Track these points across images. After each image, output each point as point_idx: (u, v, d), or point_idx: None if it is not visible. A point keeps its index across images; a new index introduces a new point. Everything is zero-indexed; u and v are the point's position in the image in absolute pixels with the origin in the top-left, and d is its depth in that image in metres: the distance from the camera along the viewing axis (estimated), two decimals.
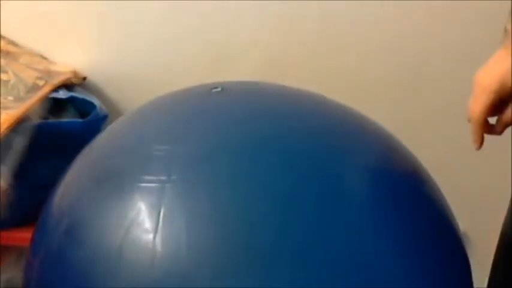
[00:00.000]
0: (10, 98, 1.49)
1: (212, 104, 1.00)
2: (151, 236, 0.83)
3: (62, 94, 1.60)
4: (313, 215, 0.86)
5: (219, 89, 1.02)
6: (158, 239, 0.82)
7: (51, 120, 1.56)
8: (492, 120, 1.04)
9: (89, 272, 0.85)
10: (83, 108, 1.60)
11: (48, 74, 1.60)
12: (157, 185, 0.86)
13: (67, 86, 1.63)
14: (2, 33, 1.66)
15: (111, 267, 0.84)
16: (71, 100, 1.61)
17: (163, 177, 0.87)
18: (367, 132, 1.03)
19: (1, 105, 1.44)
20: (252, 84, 1.10)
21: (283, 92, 1.08)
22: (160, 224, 0.83)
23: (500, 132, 1.04)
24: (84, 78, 1.69)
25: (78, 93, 1.63)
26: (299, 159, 0.91)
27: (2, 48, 1.62)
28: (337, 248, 0.86)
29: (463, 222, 1.04)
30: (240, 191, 0.87)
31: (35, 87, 1.54)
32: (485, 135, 1.04)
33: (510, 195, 1.16)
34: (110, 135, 1.04)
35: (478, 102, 1.01)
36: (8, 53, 1.62)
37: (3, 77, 1.54)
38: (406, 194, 0.97)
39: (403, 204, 0.94)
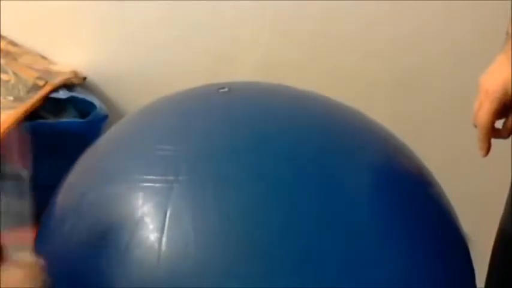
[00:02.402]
0: (10, 98, 1.49)
1: (219, 105, 1.00)
2: (158, 235, 0.83)
3: (62, 94, 1.59)
4: (318, 215, 0.86)
5: (226, 89, 1.02)
6: (165, 239, 0.82)
7: (51, 120, 1.56)
8: (498, 123, 1.04)
9: (95, 272, 0.85)
10: (83, 108, 1.60)
11: (48, 74, 1.60)
12: (164, 185, 0.86)
13: (67, 86, 1.62)
14: (2, 33, 1.65)
15: (118, 267, 0.84)
16: (71, 100, 1.60)
17: (170, 177, 0.87)
18: (372, 134, 1.04)
19: (1, 105, 1.44)
20: (259, 84, 1.10)
21: (289, 93, 1.09)
22: (167, 224, 0.83)
23: (506, 137, 1.04)
24: (84, 78, 1.69)
25: (78, 93, 1.62)
26: (305, 159, 0.91)
27: (2, 48, 1.61)
28: (342, 248, 0.86)
29: (464, 224, 1.05)
30: (247, 191, 0.87)
31: (35, 87, 1.54)
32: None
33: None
34: (116, 135, 1.04)
35: (483, 110, 1.01)
36: (8, 53, 1.61)
37: (3, 77, 1.54)
38: (410, 194, 0.97)
39: (406, 205, 0.95)
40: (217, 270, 0.82)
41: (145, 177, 0.88)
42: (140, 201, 0.86)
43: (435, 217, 0.98)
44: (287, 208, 0.86)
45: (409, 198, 0.96)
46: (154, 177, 0.88)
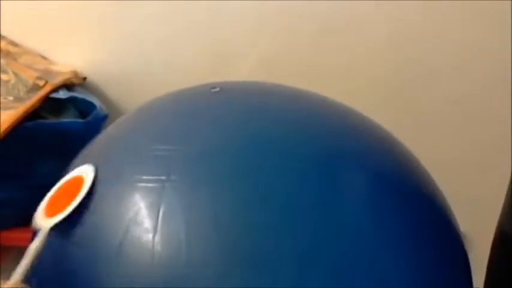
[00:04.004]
0: (10, 98, 1.50)
1: (211, 104, 1.00)
2: (150, 235, 0.83)
3: (62, 94, 1.60)
4: (313, 215, 0.86)
5: (218, 89, 1.02)
6: (157, 239, 0.82)
7: (51, 120, 1.56)
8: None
9: (88, 272, 0.85)
10: (83, 108, 1.60)
11: (48, 74, 1.60)
12: (156, 184, 0.86)
13: (67, 86, 1.63)
14: (2, 33, 1.66)
15: (111, 267, 0.84)
16: (71, 100, 1.61)
17: (162, 177, 0.87)
18: (369, 133, 1.03)
19: (1, 105, 1.45)
20: (251, 84, 1.10)
21: (283, 92, 1.08)
22: (160, 223, 0.83)
23: None
24: (85, 79, 1.69)
25: (78, 93, 1.63)
26: (299, 159, 0.91)
27: (2, 48, 1.62)
28: (339, 249, 0.86)
29: (463, 223, 1.04)
30: (239, 191, 0.86)
31: (35, 87, 1.54)
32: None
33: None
34: (109, 135, 1.04)
35: None
36: (8, 53, 1.62)
37: (3, 77, 1.54)
38: (408, 194, 0.97)
39: (404, 205, 0.94)
40: (211, 270, 0.82)
41: (138, 176, 0.88)
42: (133, 201, 0.86)
43: (433, 217, 0.98)
44: (281, 208, 0.85)
45: (407, 198, 0.96)
46: (146, 177, 0.88)
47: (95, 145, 1.02)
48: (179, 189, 0.86)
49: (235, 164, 0.89)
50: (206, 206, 0.85)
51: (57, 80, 1.59)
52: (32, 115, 1.49)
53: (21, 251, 1.55)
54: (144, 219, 0.84)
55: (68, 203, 0.91)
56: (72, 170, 0.98)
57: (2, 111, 1.43)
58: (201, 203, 0.85)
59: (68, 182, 0.97)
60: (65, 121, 1.56)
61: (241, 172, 0.88)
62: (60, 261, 0.87)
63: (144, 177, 0.87)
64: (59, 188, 0.97)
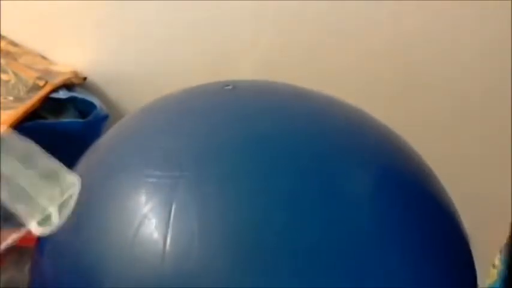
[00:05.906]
0: (10, 98, 1.49)
1: (224, 101, 1.00)
2: (162, 232, 0.83)
3: (62, 94, 1.59)
4: (322, 212, 0.86)
5: (231, 87, 1.02)
6: (169, 236, 0.82)
7: (51, 120, 1.56)
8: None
9: (98, 269, 0.85)
10: (83, 108, 1.60)
11: (48, 74, 1.60)
12: (169, 180, 0.86)
13: (67, 86, 1.62)
14: (2, 33, 1.65)
15: (122, 264, 0.84)
16: (71, 100, 1.60)
17: (175, 173, 0.87)
18: (375, 133, 1.04)
19: (1, 105, 1.44)
20: (264, 82, 1.10)
21: (294, 91, 1.08)
22: (172, 220, 0.83)
23: None
24: (85, 79, 1.69)
25: (78, 93, 1.63)
26: (309, 157, 0.91)
27: (2, 48, 1.62)
28: (343, 247, 0.86)
29: (467, 222, 1.05)
30: (252, 188, 0.87)
31: (35, 87, 1.54)
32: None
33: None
34: (120, 131, 1.04)
35: None
36: (8, 53, 1.61)
37: (3, 77, 1.54)
38: (412, 193, 0.97)
39: (408, 204, 0.95)
40: (223, 268, 0.82)
41: (150, 172, 0.88)
42: (145, 198, 0.86)
43: (437, 216, 0.99)
44: (293, 205, 0.86)
45: (411, 197, 0.96)
46: (159, 173, 0.87)
47: (105, 140, 1.02)
48: (191, 186, 0.86)
49: (249, 161, 0.89)
50: (219, 203, 0.85)
51: (57, 80, 1.59)
52: (32, 115, 1.48)
53: (21, 251, 1.55)
54: (156, 216, 0.84)
55: None
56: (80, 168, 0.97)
57: (2, 111, 1.42)
58: (214, 200, 0.85)
59: None
60: (65, 121, 1.56)
61: (253, 169, 0.88)
62: (71, 257, 0.87)
63: (156, 172, 0.87)
64: None
